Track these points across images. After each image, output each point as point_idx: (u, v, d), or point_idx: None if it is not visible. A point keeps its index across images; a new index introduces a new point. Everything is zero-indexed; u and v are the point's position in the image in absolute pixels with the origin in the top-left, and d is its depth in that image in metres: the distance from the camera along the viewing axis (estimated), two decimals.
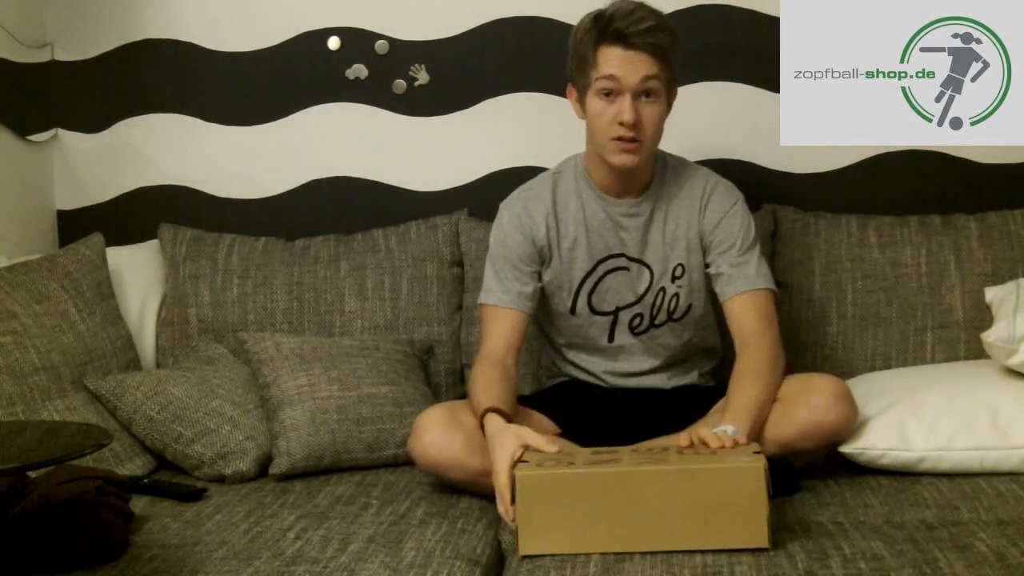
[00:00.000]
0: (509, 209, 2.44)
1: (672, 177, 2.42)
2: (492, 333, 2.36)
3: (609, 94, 2.27)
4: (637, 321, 2.44)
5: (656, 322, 2.44)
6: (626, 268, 2.41)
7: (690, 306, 2.43)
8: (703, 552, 1.87)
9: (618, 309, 2.43)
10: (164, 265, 2.85)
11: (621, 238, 2.40)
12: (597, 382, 2.49)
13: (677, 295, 2.42)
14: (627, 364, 2.47)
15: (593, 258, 2.40)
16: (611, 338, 2.45)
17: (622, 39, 2.25)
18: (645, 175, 2.40)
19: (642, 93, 2.27)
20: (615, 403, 2.43)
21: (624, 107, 2.26)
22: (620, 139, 2.29)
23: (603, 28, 2.27)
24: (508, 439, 2.08)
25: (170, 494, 2.27)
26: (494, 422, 2.14)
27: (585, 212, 2.40)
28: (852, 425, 2.26)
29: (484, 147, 2.95)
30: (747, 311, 2.34)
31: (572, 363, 2.50)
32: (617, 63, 2.26)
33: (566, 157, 2.47)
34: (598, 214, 2.40)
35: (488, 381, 2.26)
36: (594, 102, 2.30)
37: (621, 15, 2.26)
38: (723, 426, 2.09)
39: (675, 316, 2.43)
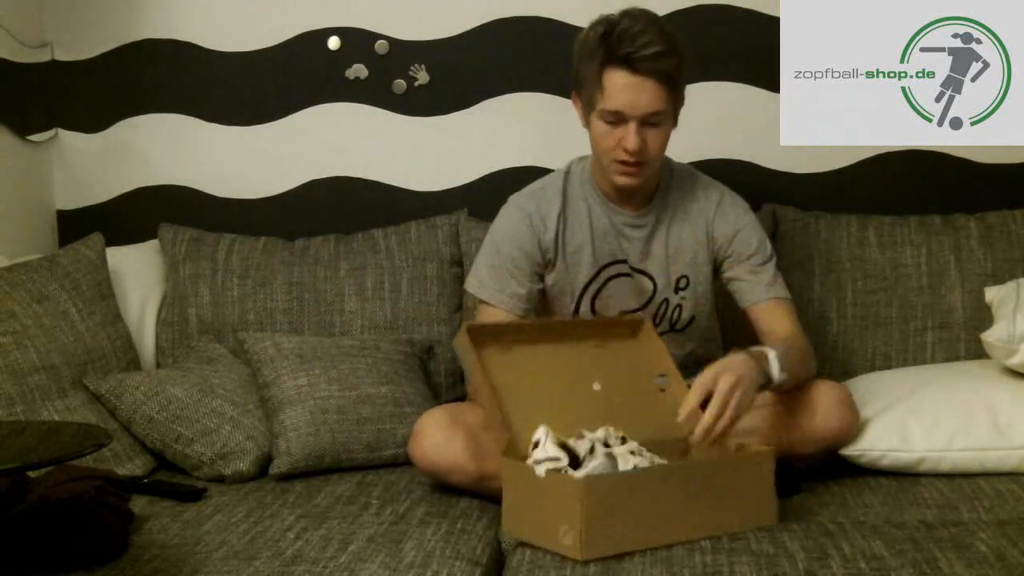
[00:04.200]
0: (519, 206, 2.39)
1: (678, 189, 2.40)
2: None
3: (614, 120, 2.23)
4: None
5: (658, 332, 2.42)
6: (628, 275, 2.40)
7: (693, 318, 2.42)
8: (703, 552, 1.87)
9: (621, 316, 2.42)
10: (164, 265, 2.85)
11: (623, 247, 2.39)
12: None
13: (680, 307, 2.41)
14: None
15: (597, 263, 2.38)
16: None
17: (629, 64, 2.18)
18: (649, 186, 2.38)
19: (648, 121, 2.22)
20: None
21: (629, 134, 2.21)
22: (623, 162, 2.25)
23: (610, 50, 2.19)
24: None
25: (170, 494, 2.27)
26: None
27: (591, 216, 2.38)
28: (853, 430, 2.26)
29: (484, 147, 2.95)
30: (781, 317, 2.33)
31: None
32: (623, 90, 2.19)
33: (572, 158, 2.45)
34: (603, 220, 2.38)
35: None
36: (598, 124, 2.25)
37: (629, 37, 2.18)
38: (764, 348, 2.12)
39: (677, 327, 2.41)
